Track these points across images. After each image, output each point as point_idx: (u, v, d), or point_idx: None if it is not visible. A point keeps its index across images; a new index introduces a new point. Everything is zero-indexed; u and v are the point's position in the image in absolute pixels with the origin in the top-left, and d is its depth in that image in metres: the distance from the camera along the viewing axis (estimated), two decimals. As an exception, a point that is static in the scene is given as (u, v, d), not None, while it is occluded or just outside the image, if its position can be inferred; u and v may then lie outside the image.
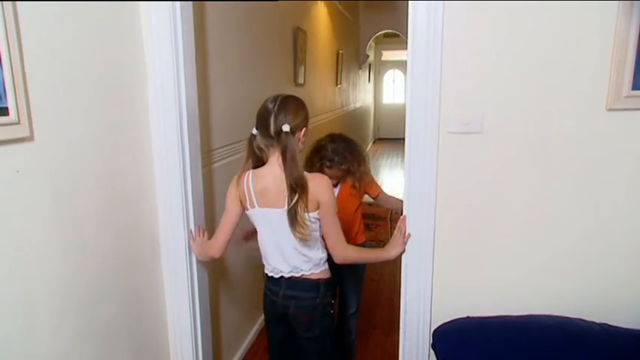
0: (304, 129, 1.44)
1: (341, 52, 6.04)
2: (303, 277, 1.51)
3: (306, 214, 1.41)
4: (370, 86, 10.48)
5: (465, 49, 1.42)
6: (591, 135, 1.42)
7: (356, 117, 7.96)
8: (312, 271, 1.51)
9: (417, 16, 1.42)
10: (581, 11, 1.35)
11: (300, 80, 3.76)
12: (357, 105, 8.14)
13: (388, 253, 1.57)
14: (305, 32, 3.84)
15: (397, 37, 8.60)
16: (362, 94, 8.90)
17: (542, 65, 1.40)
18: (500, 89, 1.43)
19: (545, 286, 1.53)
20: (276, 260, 1.52)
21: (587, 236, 1.48)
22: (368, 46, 8.40)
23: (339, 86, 6.11)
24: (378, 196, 2.15)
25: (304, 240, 1.43)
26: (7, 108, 1.05)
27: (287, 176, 1.38)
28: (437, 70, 1.43)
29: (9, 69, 1.05)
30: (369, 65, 9.91)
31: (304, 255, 1.49)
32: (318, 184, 1.43)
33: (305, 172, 1.43)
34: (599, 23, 1.34)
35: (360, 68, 8.38)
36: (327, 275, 1.55)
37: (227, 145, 2.22)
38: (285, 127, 1.37)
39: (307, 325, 1.54)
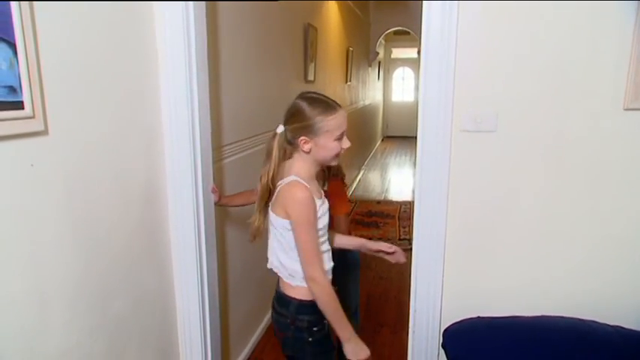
0: (303, 138, 1.29)
1: (351, 49, 6.02)
2: (281, 287, 1.42)
3: (279, 218, 1.32)
4: (379, 84, 10.44)
5: (480, 48, 1.41)
6: (608, 135, 1.40)
7: (365, 114, 7.94)
8: (288, 281, 1.38)
9: (432, 15, 1.41)
10: (599, 10, 1.33)
11: (310, 77, 3.75)
12: (367, 102, 8.12)
13: (347, 342, 1.32)
14: (316, 29, 3.83)
15: (407, 35, 8.55)
16: (371, 92, 8.87)
17: (558, 64, 1.38)
18: (515, 88, 1.41)
19: (558, 288, 1.52)
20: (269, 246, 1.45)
21: (601, 238, 1.46)
22: (378, 44, 8.37)
23: (348, 83, 6.10)
24: (342, 215, 1.80)
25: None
26: (22, 102, 1.06)
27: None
28: (450, 69, 1.42)
29: (25, 63, 1.05)
30: (379, 63, 9.87)
31: (278, 256, 1.39)
32: (290, 196, 1.28)
33: (291, 178, 1.30)
34: (618, 21, 1.32)
35: (369, 66, 8.35)
36: (301, 297, 1.36)
37: (238, 142, 2.23)
38: (279, 128, 1.33)
39: (281, 341, 1.46)
